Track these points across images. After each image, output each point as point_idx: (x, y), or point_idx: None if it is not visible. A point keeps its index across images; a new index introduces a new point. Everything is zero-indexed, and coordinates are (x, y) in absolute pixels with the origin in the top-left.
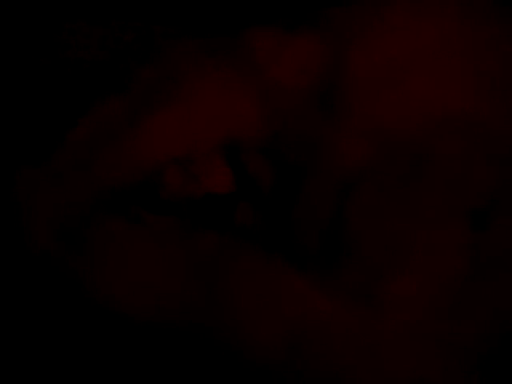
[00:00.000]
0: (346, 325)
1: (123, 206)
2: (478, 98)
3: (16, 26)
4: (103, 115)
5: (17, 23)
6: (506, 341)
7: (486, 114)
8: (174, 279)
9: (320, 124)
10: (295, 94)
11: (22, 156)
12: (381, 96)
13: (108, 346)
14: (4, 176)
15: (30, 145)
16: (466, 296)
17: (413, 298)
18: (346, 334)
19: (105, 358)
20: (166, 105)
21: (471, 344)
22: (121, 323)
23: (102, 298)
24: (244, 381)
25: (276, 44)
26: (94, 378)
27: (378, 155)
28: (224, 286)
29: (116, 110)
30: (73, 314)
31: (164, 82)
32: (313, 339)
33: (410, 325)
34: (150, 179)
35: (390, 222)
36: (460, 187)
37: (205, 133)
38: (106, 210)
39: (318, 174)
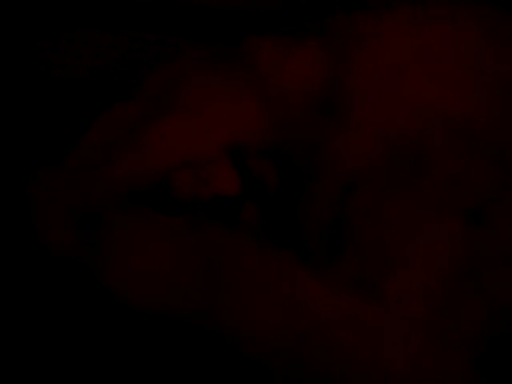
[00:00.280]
0: (348, 317)
1: (135, 207)
2: (476, 101)
3: (27, 35)
4: (114, 120)
5: (28, 32)
6: (504, 333)
7: (484, 117)
8: (183, 270)
9: (323, 128)
10: (298, 100)
11: (36, 159)
12: (382, 100)
13: (117, 337)
14: (18, 178)
15: (43, 148)
16: (464, 289)
17: (412, 291)
18: (347, 326)
19: (115, 348)
20: (174, 111)
21: (469, 337)
22: (132, 315)
23: (114, 290)
24: (245, 373)
25: (279, 52)
26: (103, 367)
27: (380, 156)
28: (229, 277)
29: (126, 115)
30: (87, 310)
31: (172, 89)
32: (315, 331)
33: (409, 317)
34: (161, 182)
35: (390, 219)
36: (458, 186)
37: (212, 137)
38: (119, 209)
39: (321, 175)
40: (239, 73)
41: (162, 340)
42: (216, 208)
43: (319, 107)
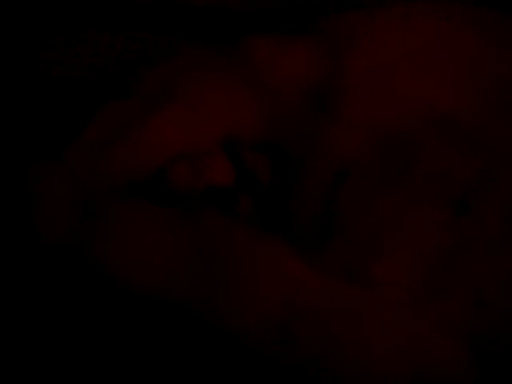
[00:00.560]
0: (337, 302)
1: (133, 198)
2: (465, 98)
3: (26, 34)
4: (112, 115)
5: (28, 31)
6: (489, 318)
7: (472, 113)
8: (179, 256)
9: (315, 123)
10: (292, 96)
11: (35, 154)
12: (374, 96)
13: (114, 322)
14: (17, 173)
15: (42, 144)
16: (449, 276)
17: (399, 277)
18: (336, 311)
19: (111, 333)
20: (170, 105)
21: (454, 321)
22: (130, 300)
23: (114, 275)
24: (238, 360)
25: (274, 49)
26: (101, 352)
27: (370, 149)
28: (223, 264)
29: (125, 110)
30: (83, 297)
31: (169, 85)
32: (305, 316)
33: (396, 302)
34: (157, 174)
35: (379, 208)
36: (445, 178)
37: (207, 131)
38: (117, 200)
39: (313, 167)
40: (235, 69)
41: (159, 324)
42: (211, 199)
43: (312, 103)
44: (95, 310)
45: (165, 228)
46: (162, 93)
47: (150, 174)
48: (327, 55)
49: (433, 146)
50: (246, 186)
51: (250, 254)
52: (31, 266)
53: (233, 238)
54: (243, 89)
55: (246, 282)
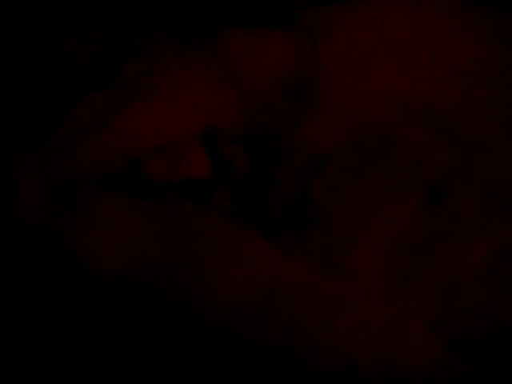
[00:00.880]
0: (312, 289)
1: (109, 188)
2: (441, 88)
3: (12, 29)
4: (92, 104)
5: (12, 26)
6: (461, 307)
7: (447, 104)
8: (153, 241)
9: (292, 114)
10: (269, 87)
11: (16, 138)
12: (350, 87)
13: (85, 305)
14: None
15: (24, 132)
16: (421, 262)
17: (372, 264)
18: (311, 298)
19: (82, 316)
20: (148, 96)
21: (425, 306)
22: (101, 284)
23: (85, 258)
24: (212, 346)
25: (251, 41)
26: (80, 340)
27: (346, 140)
28: (196, 249)
29: (104, 100)
30: (59, 280)
31: (147, 76)
32: (281, 303)
33: (369, 290)
34: (133, 166)
35: (353, 196)
36: (418, 167)
37: (184, 122)
38: (94, 188)
39: (290, 158)
40: (213, 61)
41: (131, 310)
42: (188, 191)
43: (289, 94)
44: (66, 293)
45: (138, 215)
46: (140, 84)
47: (127, 165)
48: (303, 46)
49: (408, 136)
50: (224, 178)
51: (224, 240)
52: (8, 248)
53: (207, 226)
54: (221, 81)
55: (219, 268)
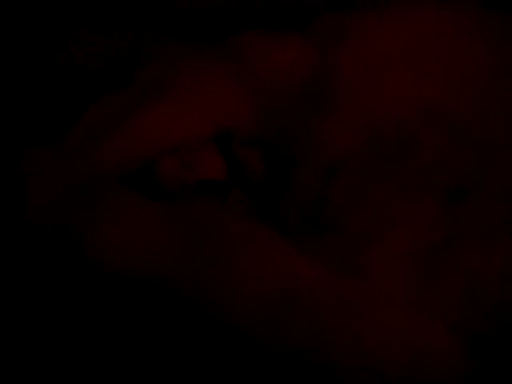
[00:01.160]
0: (331, 290)
1: (123, 188)
2: (457, 94)
3: (25, 33)
4: (104, 108)
5: (22, 31)
6: (484, 308)
7: (464, 108)
8: (170, 238)
9: (308, 117)
10: (284, 90)
11: (28, 140)
12: (366, 90)
13: (97, 304)
14: (10, 157)
15: (36, 134)
16: (443, 264)
17: (391, 264)
18: (332, 300)
19: (95, 314)
20: (162, 98)
21: (447, 308)
22: (115, 282)
23: (100, 255)
24: (230, 348)
25: (266, 44)
26: (83, 330)
27: (364, 142)
28: (213, 246)
29: (118, 101)
30: (71, 280)
31: (161, 78)
32: (299, 303)
33: (390, 292)
34: (147, 167)
35: (372, 199)
36: (437, 168)
37: (198, 124)
38: (108, 187)
39: (306, 161)
40: (227, 63)
41: (148, 308)
42: (202, 192)
43: (304, 97)
44: (80, 293)
45: (156, 214)
46: (155, 86)
47: (140, 166)
48: (319, 51)
49: (426, 138)
50: (238, 180)
51: (243, 238)
52: (19, 248)
53: (225, 223)
54: (236, 83)
55: (238, 266)
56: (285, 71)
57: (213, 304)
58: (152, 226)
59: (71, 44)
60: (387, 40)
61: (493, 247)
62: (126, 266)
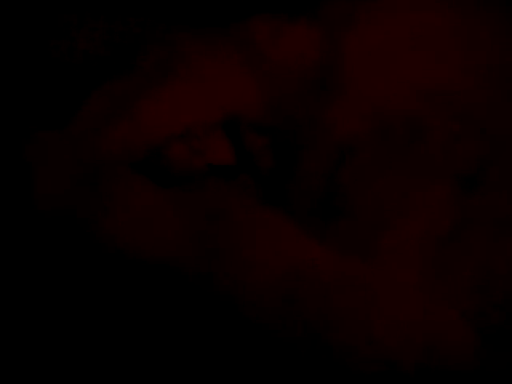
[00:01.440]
0: (341, 273)
1: (133, 174)
2: (464, 75)
3: (23, 18)
4: (112, 91)
5: (27, 18)
6: (495, 296)
7: (475, 94)
8: (182, 221)
9: (316, 102)
10: (293, 76)
11: (32, 127)
12: (373, 76)
13: (108, 287)
14: (18, 140)
15: (40, 119)
16: (455, 250)
17: (403, 250)
18: (340, 282)
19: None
20: (168, 83)
21: (459, 293)
22: (126, 265)
23: (113, 238)
24: (238, 327)
25: (275, 29)
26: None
27: (372, 128)
28: (225, 231)
29: (122, 88)
30: (81, 263)
31: (166, 63)
32: (308, 285)
33: (400, 275)
34: (155, 153)
35: (382, 184)
36: (449, 156)
37: (206, 110)
38: (118, 173)
39: (316, 145)
40: (236, 48)
41: (158, 291)
42: (212, 175)
43: (312, 82)
44: (88, 277)
45: (164, 199)
46: (159, 72)
47: (148, 152)
48: (328, 35)
49: (437, 123)
50: (246, 165)
51: (253, 221)
52: (27, 231)
53: (236, 205)
54: (244, 68)
55: (249, 249)
56: (293, 56)
57: (222, 290)
58: (161, 212)
59: (73, 29)
60: (395, 26)
61: (504, 237)
62: (138, 251)
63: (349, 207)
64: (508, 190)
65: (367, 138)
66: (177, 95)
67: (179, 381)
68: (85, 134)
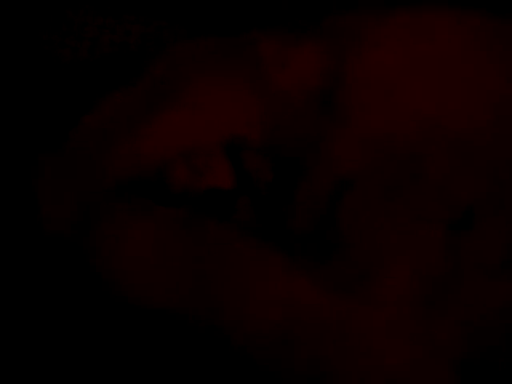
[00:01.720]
0: (334, 316)
1: (132, 197)
2: (475, 115)
3: (28, 19)
4: (114, 106)
5: (29, 16)
6: (484, 341)
7: (481, 133)
8: (176, 263)
9: (320, 127)
10: (297, 99)
11: (37, 144)
12: (375, 105)
13: (111, 327)
14: (20, 163)
15: (43, 129)
16: (446, 295)
17: (396, 294)
18: (333, 325)
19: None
20: (173, 102)
21: (448, 342)
22: (122, 303)
23: (104, 277)
24: (234, 370)
25: (280, 50)
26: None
27: (374, 161)
28: (218, 273)
29: (125, 104)
30: (80, 293)
31: (172, 80)
32: (301, 328)
33: (392, 320)
34: (157, 173)
35: (379, 223)
36: (445, 194)
37: (208, 131)
38: (116, 198)
39: (315, 174)
40: (240, 67)
41: (157, 331)
42: (210, 200)
43: (318, 106)
44: (92, 308)
45: (163, 235)
46: (166, 87)
47: (150, 172)
48: (333, 58)
49: (438, 162)
50: (246, 188)
51: (249, 266)
52: (32, 256)
53: (234, 252)
54: (248, 89)
55: (241, 291)
56: (300, 81)
57: (222, 332)
58: (161, 251)
59: (78, 28)
60: (402, 49)
61: (497, 283)
62: (134, 291)
63: (344, 246)
64: (503, 235)
65: (366, 172)
66: (181, 115)
67: None
68: (88, 153)
